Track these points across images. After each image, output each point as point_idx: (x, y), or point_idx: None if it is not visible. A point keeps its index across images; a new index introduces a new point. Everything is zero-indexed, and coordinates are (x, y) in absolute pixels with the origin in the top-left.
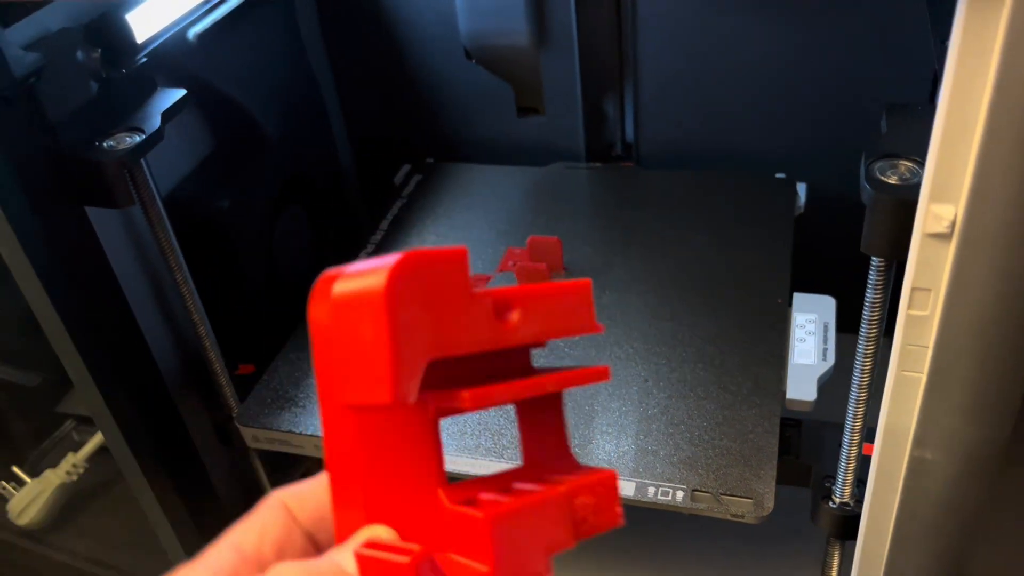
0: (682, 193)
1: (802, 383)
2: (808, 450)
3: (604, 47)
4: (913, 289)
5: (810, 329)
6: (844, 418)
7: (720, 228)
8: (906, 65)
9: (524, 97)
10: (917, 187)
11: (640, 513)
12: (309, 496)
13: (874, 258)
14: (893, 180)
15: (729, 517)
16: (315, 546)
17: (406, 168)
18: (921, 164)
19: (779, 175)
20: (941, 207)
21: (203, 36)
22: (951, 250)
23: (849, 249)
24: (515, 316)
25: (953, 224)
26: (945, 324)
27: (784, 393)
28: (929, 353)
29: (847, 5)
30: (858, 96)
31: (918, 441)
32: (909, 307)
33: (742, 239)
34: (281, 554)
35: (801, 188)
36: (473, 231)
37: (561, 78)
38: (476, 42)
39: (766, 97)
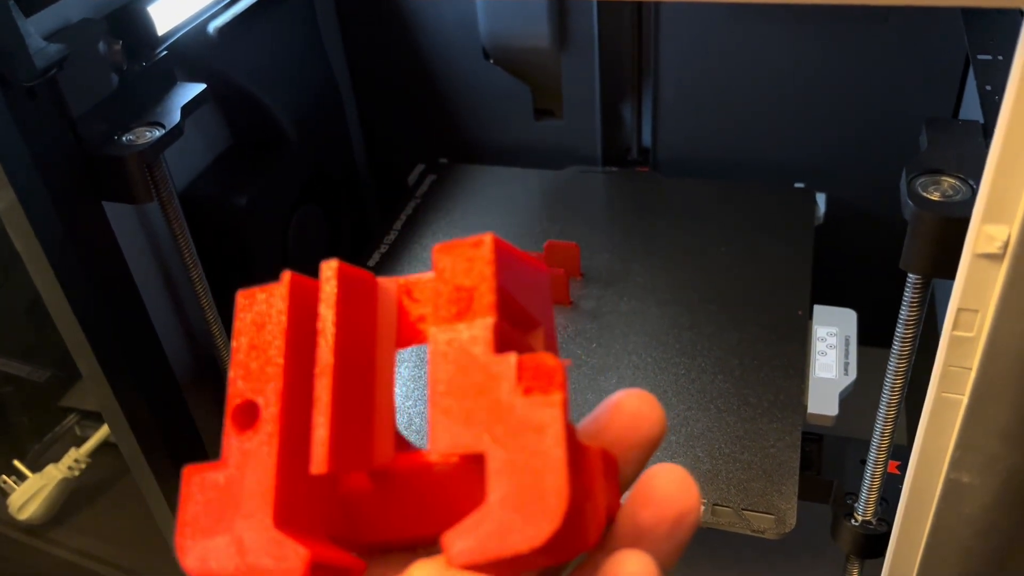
0: (700, 201)
1: (823, 397)
2: (829, 466)
3: (624, 51)
4: (959, 310)
5: (831, 343)
6: (865, 434)
7: (739, 237)
8: (928, 76)
9: (542, 99)
10: (961, 204)
11: None
12: None
13: (911, 275)
14: (936, 196)
15: (750, 532)
16: None
17: (420, 168)
18: (965, 181)
19: (798, 184)
20: (994, 228)
21: (223, 30)
22: (1002, 271)
23: (869, 261)
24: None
25: (1006, 245)
26: (991, 346)
27: (805, 407)
28: (972, 375)
29: (870, 15)
30: (880, 106)
31: (955, 464)
32: (954, 328)
33: (761, 249)
34: None
35: (820, 198)
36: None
37: (580, 81)
38: (496, 42)
39: (786, 106)
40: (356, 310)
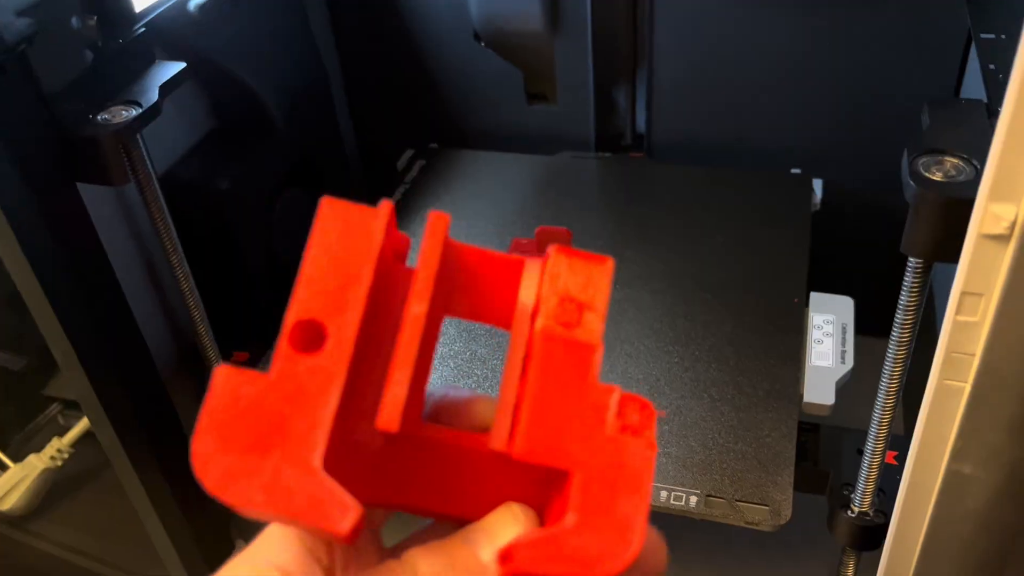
0: (695, 187)
1: (820, 386)
2: (826, 456)
3: (618, 35)
4: (963, 293)
5: (828, 330)
6: (862, 423)
7: (734, 224)
8: (926, 59)
9: (534, 83)
10: (965, 185)
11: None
12: None
13: (912, 259)
14: (938, 177)
15: (744, 524)
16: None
17: (409, 153)
18: (969, 161)
19: (794, 171)
20: (1001, 207)
21: (205, 8)
22: (1009, 253)
23: (866, 249)
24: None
25: (1013, 225)
26: (996, 332)
27: (801, 396)
28: (975, 362)
29: None
30: (877, 92)
31: (956, 454)
32: (957, 312)
33: (757, 236)
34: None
35: (817, 184)
36: (478, 219)
37: (573, 65)
38: (488, 25)
39: (782, 91)
40: (443, 267)
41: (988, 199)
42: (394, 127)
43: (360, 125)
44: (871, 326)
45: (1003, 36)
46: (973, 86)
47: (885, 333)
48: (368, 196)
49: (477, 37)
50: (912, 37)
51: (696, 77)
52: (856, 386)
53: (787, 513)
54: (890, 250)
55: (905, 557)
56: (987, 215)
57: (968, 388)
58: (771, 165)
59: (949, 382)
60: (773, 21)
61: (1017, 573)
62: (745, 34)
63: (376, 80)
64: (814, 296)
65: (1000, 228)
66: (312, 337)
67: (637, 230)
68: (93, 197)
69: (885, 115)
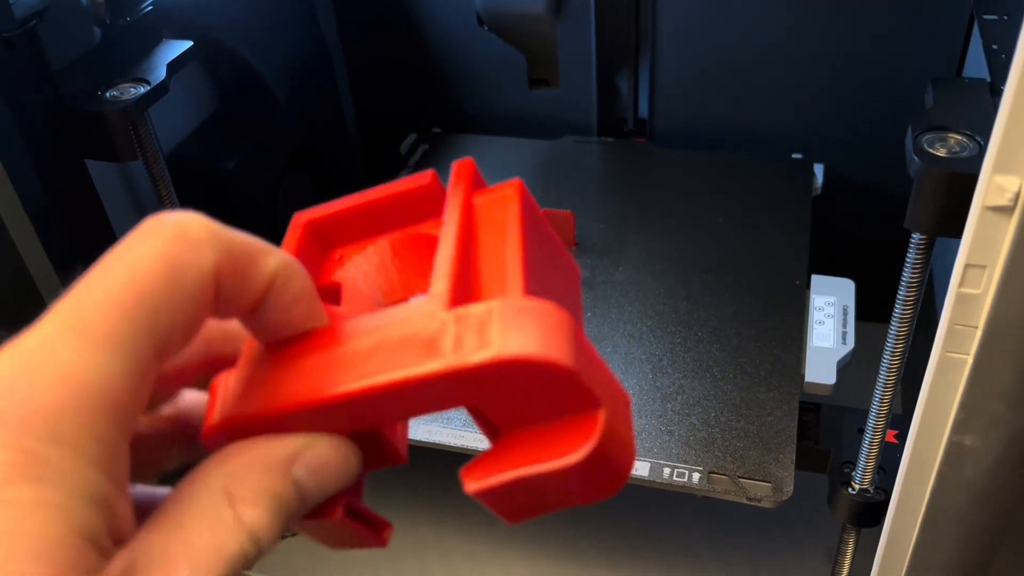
0: (697, 171)
1: (821, 366)
2: (826, 435)
3: (621, 19)
4: (967, 266)
5: (829, 312)
6: (862, 404)
7: (736, 208)
8: (927, 44)
9: (537, 68)
10: (968, 161)
11: (642, 495)
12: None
13: (915, 235)
14: (942, 153)
15: (746, 501)
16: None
17: (412, 137)
18: (972, 138)
19: (796, 155)
20: (1005, 178)
21: None
22: (1012, 225)
23: (867, 233)
24: None
25: (1017, 196)
26: (999, 304)
27: (803, 376)
28: (978, 334)
29: None
30: (878, 76)
31: (958, 426)
32: (960, 285)
33: (759, 219)
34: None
35: (818, 169)
36: None
37: (576, 49)
38: (490, 8)
39: (784, 76)
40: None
41: (992, 171)
42: (397, 111)
43: (363, 109)
44: (871, 311)
45: (1005, 17)
46: (974, 69)
47: (885, 318)
48: (370, 180)
49: (480, 21)
50: (913, 21)
51: (698, 62)
52: (856, 368)
53: (789, 489)
54: (890, 234)
55: (906, 530)
56: (991, 187)
57: (970, 360)
58: (773, 150)
59: (951, 354)
60: (775, 6)
61: (1014, 544)
62: (748, 19)
63: (379, 64)
64: (815, 278)
65: (1004, 200)
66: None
67: (639, 214)
68: (100, 174)
69: (886, 100)
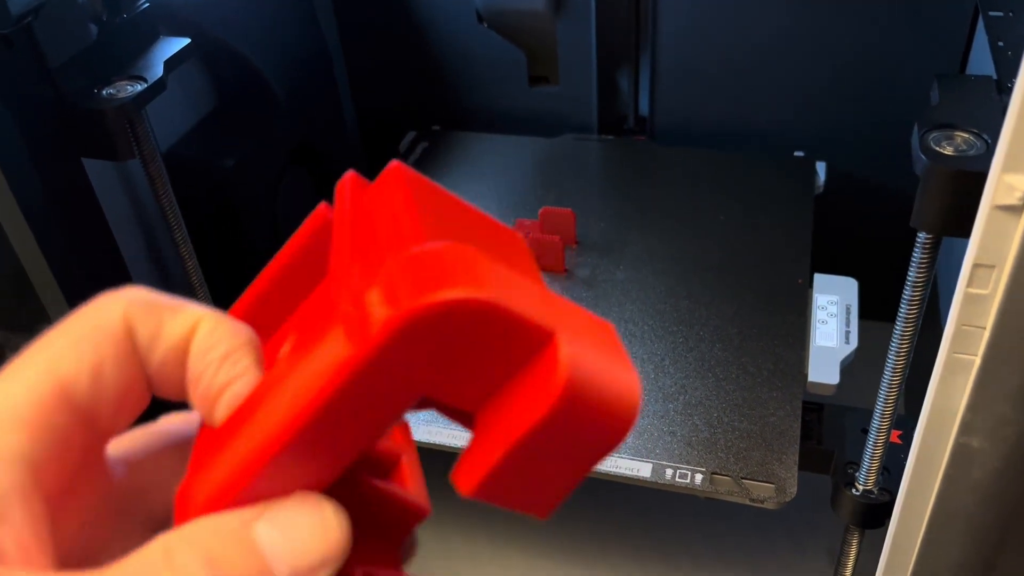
0: (698, 170)
1: (824, 366)
2: (830, 436)
3: (622, 17)
4: (975, 266)
5: (832, 311)
6: (866, 403)
7: (738, 206)
8: (929, 42)
9: (537, 65)
10: (976, 159)
11: (644, 495)
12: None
13: (921, 234)
14: (949, 151)
15: (749, 502)
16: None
17: (411, 135)
18: (979, 136)
19: (798, 153)
20: (1015, 177)
21: None
22: (1022, 224)
23: (870, 232)
24: None
25: None
26: (1007, 304)
27: (806, 376)
28: (986, 335)
29: None
30: (880, 74)
31: (965, 427)
32: (968, 285)
33: (760, 218)
34: (120, 410)
35: (820, 167)
36: (480, 202)
37: (576, 47)
38: (490, 5)
39: (786, 73)
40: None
41: (1002, 170)
42: (397, 109)
43: (363, 107)
44: (874, 310)
45: (1011, 13)
46: (978, 66)
47: (888, 317)
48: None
49: (480, 18)
50: (915, 18)
51: (699, 59)
52: (860, 368)
53: (792, 490)
54: (893, 233)
55: (912, 531)
56: (1000, 186)
57: (978, 361)
58: (775, 148)
59: (959, 355)
60: (777, 2)
61: (1019, 545)
62: (749, 15)
63: (379, 62)
64: (818, 277)
65: (1013, 199)
66: None
67: (640, 212)
68: (97, 173)
69: (888, 97)
